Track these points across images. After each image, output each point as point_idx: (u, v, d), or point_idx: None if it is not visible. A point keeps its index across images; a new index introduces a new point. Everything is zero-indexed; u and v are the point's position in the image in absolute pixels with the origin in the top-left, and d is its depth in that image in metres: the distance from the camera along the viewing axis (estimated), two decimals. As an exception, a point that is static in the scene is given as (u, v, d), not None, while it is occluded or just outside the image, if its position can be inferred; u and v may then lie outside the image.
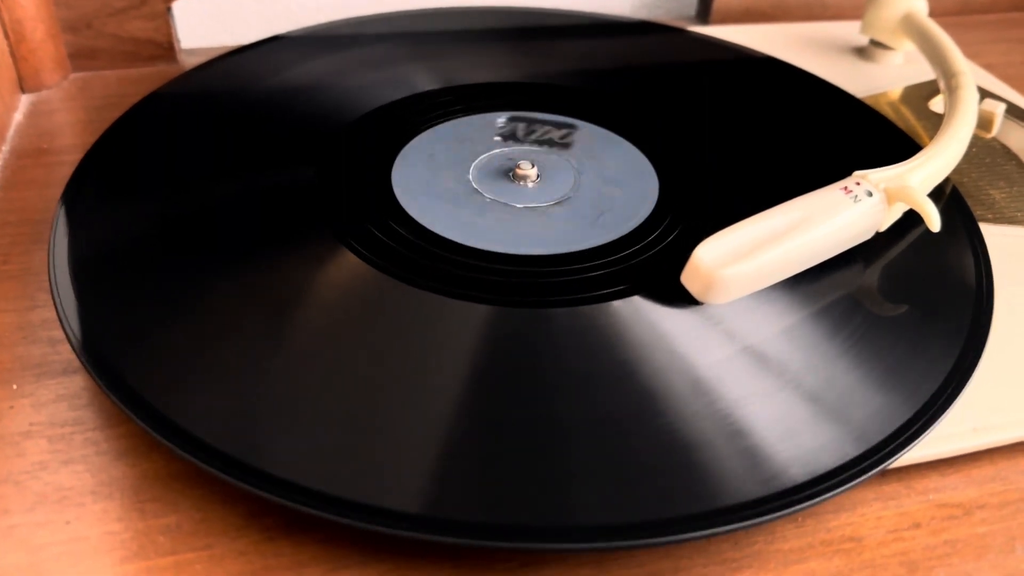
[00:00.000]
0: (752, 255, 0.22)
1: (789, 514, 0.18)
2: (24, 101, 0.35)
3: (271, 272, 0.23)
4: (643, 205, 0.26)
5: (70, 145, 0.32)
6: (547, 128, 0.27)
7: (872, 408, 0.20)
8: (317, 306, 0.22)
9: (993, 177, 0.31)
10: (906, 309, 0.23)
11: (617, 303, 0.22)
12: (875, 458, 0.19)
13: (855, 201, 0.23)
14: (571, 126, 0.26)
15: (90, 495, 0.20)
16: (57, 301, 0.22)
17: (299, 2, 0.45)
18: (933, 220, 0.24)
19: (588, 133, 0.30)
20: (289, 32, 0.35)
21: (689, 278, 0.22)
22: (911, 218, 0.25)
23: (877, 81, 0.37)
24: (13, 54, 0.35)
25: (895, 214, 0.25)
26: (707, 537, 0.18)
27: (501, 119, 0.27)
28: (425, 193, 0.26)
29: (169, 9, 0.37)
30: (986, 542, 0.20)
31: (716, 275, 0.21)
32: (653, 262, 0.24)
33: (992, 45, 0.44)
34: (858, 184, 0.24)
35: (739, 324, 0.22)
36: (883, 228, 0.25)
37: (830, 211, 0.23)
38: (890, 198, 0.24)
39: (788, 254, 0.22)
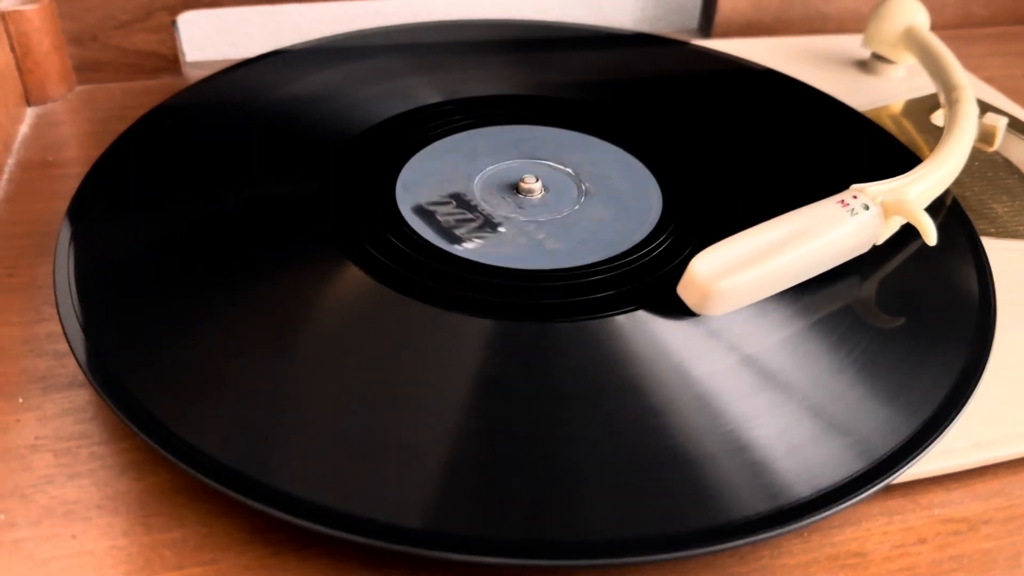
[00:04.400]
0: (748, 267, 0.22)
1: (795, 529, 0.18)
2: (30, 113, 0.35)
3: (275, 285, 0.23)
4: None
5: (76, 157, 0.33)
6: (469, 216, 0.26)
7: (876, 422, 0.20)
8: (321, 320, 0.23)
9: (995, 191, 0.31)
10: (910, 323, 0.23)
11: (621, 318, 0.22)
12: (880, 473, 0.19)
13: (852, 214, 0.23)
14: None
15: (96, 509, 0.20)
16: (63, 315, 0.22)
17: (303, 15, 0.45)
18: (929, 234, 0.24)
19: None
20: (293, 45, 0.35)
21: (685, 290, 0.22)
22: (916, 232, 0.25)
23: (879, 94, 0.37)
24: (19, 67, 0.35)
25: (892, 227, 0.25)
26: (713, 553, 0.18)
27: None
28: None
29: (174, 22, 0.38)
30: (992, 557, 0.20)
31: (712, 287, 0.22)
32: (657, 276, 0.24)
33: (993, 58, 0.44)
34: (855, 197, 0.24)
35: (743, 338, 0.22)
36: (880, 241, 0.25)
37: (826, 224, 0.23)
38: (887, 211, 0.24)
39: (784, 267, 0.22)
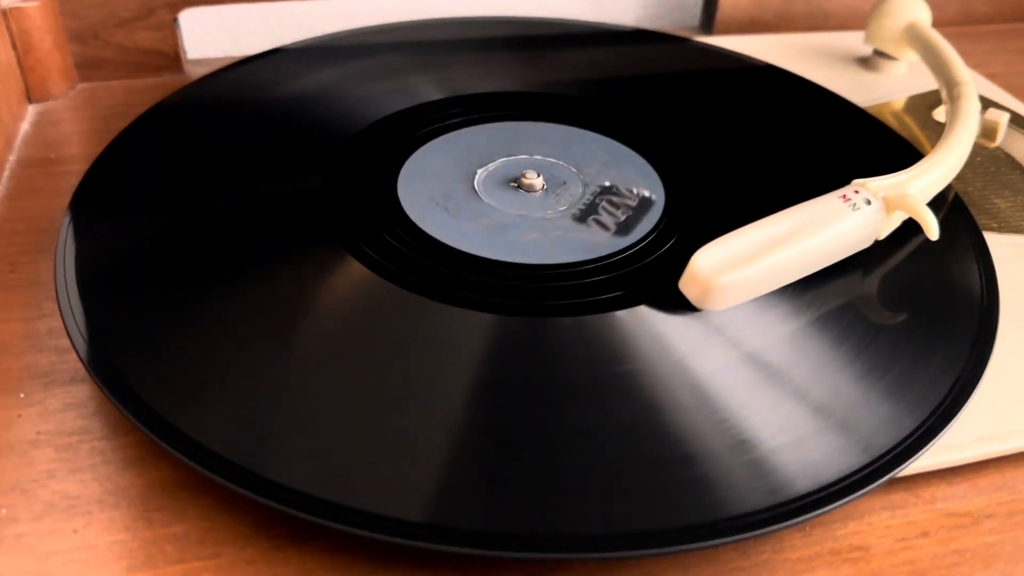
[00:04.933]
0: (749, 262, 0.22)
1: (797, 524, 0.18)
2: (31, 111, 0.35)
3: (277, 281, 0.23)
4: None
5: (77, 155, 0.33)
6: (623, 201, 0.26)
7: (878, 417, 0.20)
8: (323, 315, 0.23)
9: (998, 187, 0.31)
10: (911, 318, 0.23)
11: (621, 313, 0.22)
12: (882, 467, 0.19)
13: (853, 209, 0.23)
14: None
15: (97, 504, 0.20)
16: (64, 310, 0.22)
17: (304, 13, 0.45)
18: (931, 228, 0.24)
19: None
20: (294, 43, 0.35)
21: (687, 285, 0.22)
22: (918, 227, 0.25)
23: (880, 91, 0.37)
24: (20, 64, 0.35)
25: (894, 222, 0.25)
26: (716, 546, 0.18)
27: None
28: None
29: (175, 19, 0.38)
30: (994, 551, 0.20)
31: (713, 282, 0.22)
32: (658, 271, 0.24)
33: (996, 55, 0.44)
34: (857, 192, 0.24)
35: (744, 334, 0.22)
36: (882, 236, 0.25)
37: (828, 219, 0.23)
38: (889, 206, 0.24)
39: (785, 261, 0.22)
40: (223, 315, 0.22)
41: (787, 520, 0.18)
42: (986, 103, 0.35)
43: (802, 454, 0.19)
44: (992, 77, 0.39)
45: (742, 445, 0.19)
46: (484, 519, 0.18)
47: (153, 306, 0.22)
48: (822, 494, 0.18)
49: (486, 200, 0.27)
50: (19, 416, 0.22)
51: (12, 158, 0.32)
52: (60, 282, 0.23)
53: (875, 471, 0.19)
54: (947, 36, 0.35)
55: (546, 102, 0.32)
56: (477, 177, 0.28)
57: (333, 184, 0.27)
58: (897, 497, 0.21)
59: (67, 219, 0.25)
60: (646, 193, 0.26)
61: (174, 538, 0.19)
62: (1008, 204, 0.30)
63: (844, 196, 0.24)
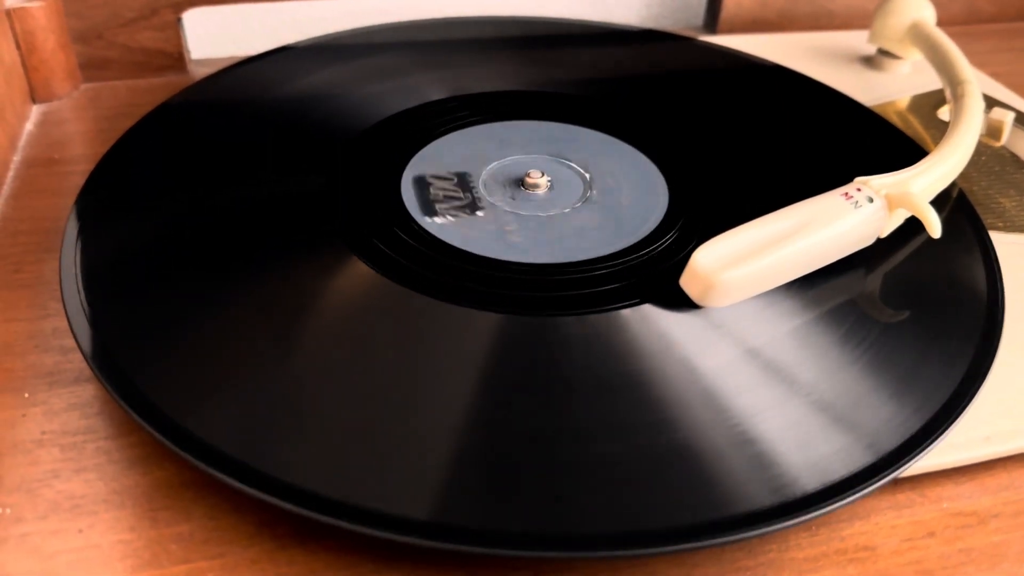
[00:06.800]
0: (750, 259, 0.22)
1: (801, 522, 0.18)
2: (35, 111, 0.35)
3: (282, 281, 0.23)
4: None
5: (81, 155, 0.33)
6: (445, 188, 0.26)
7: (884, 416, 0.20)
8: (327, 314, 0.23)
9: (1003, 185, 0.31)
10: (916, 316, 0.23)
11: (627, 312, 0.22)
12: (888, 466, 0.19)
13: (856, 207, 0.23)
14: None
15: (102, 503, 0.20)
16: (69, 310, 0.22)
17: (307, 13, 0.45)
18: (934, 226, 0.23)
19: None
20: (298, 42, 0.35)
21: (688, 281, 0.22)
22: (922, 225, 0.25)
23: (885, 90, 0.37)
24: (24, 64, 0.35)
25: (896, 220, 0.25)
26: (721, 545, 0.18)
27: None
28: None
29: (179, 19, 0.38)
30: (1001, 551, 0.20)
31: (714, 279, 0.21)
32: (663, 270, 0.24)
33: (999, 55, 0.44)
34: (859, 190, 0.24)
35: (746, 331, 0.22)
36: (884, 234, 0.25)
37: (830, 216, 0.23)
38: (891, 204, 0.24)
39: (787, 259, 0.22)
40: (228, 314, 0.22)
41: (793, 518, 0.18)
42: (991, 102, 0.35)
43: (807, 452, 0.19)
44: (996, 76, 0.39)
45: (746, 443, 0.19)
46: (489, 518, 0.18)
47: (158, 305, 0.22)
48: (828, 493, 0.18)
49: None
50: (24, 416, 0.22)
51: (16, 158, 0.32)
52: (65, 282, 0.23)
53: (881, 469, 0.19)
54: (951, 35, 0.35)
55: (550, 101, 0.32)
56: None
57: (338, 183, 0.27)
58: (903, 497, 0.21)
59: (72, 219, 0.25)
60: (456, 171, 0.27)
61: (179, 538, 0.19)
62: (1013, 203, 0.30)
63: (846, 194, 0.24)
